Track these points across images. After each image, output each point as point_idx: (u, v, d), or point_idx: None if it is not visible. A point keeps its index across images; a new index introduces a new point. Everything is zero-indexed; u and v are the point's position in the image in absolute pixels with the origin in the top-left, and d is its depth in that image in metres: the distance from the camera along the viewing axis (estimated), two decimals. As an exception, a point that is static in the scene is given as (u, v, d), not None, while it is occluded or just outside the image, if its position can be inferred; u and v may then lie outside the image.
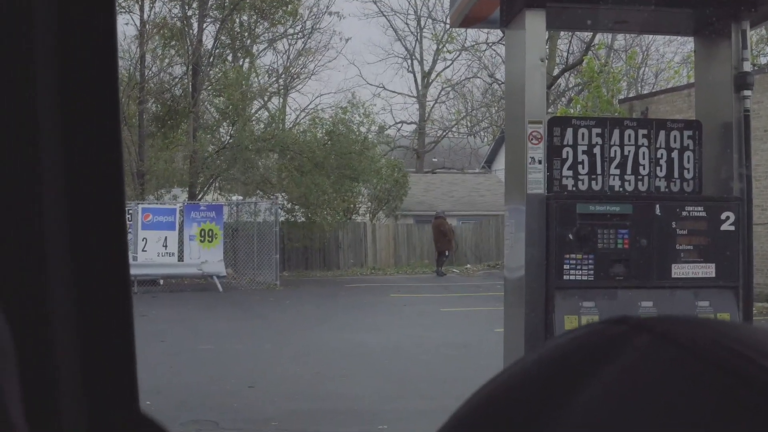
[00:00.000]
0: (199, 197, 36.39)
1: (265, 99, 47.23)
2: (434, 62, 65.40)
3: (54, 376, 1.26)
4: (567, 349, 0.63)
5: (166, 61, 39.25)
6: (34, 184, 1.23)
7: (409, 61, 68.83)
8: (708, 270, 5.82)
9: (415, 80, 67.20)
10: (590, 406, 0.55)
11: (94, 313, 1.30)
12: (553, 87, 46.87)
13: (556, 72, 46.65)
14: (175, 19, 38.50)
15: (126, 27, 38.02)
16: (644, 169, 6.18)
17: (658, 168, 6.19)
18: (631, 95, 38.57)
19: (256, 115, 43.96)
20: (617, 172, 6.15)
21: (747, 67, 6.22)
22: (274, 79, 50.25)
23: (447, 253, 39.05)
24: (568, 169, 6.09)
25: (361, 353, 15.70)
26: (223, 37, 40.15)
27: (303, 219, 36.63)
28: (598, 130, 6.15)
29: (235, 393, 12.20)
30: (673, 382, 0.54)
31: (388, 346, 16.48)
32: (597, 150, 6.13)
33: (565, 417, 0.56)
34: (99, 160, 1.28)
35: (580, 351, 0.61)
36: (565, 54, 50.61)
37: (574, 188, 6.07)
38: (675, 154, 6.21)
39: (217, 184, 38.17)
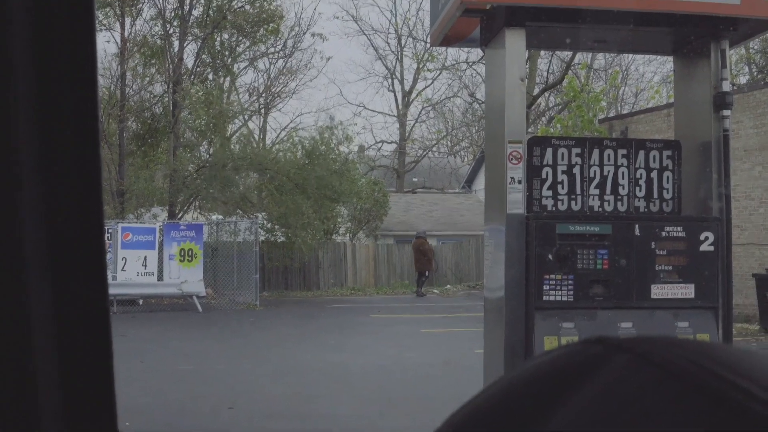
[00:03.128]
0: (179, 216, 36.31)
1: (245, 118, 47.25)
2: (415, 81, 65.58)
3: (32, 396, 1.25)
4: (546, 369, 0.63)
5: (147, 79, 39.25)
6: (11, 201, 1.21)
7: (390, 80, 69.06)
8: (687, 290, 5.82)
9: (396, 99, 67.46)
10: (569, 424, 0.56)
11: (72, 333, 1.29)
12: (533, 106, 47.05)
13: (536, 91, 46.84)
14: (156, 37, 38.51)
15: (107, 45, 38.02)
16: (623, 189, 6.19)
17: (638, 188, 6.20)
18: (611, 115, 38.73)
19: (237, 133, 43.96)
20: (597, 192, 6.16)
21: (726, 86, 6.24)
22: (255, 98, 50.31)
23: (427, 274, 39.04)
24: (548, 189, 6.10)
25: (341, 373, 15.66)
26: (203, 56, 40.16)
27: (283, 238, 36.58)
28: (578, 150, 6.17)
29: (215, 413, 12.15)
30: (651, 402, 0.53)
31: (368, 366, 16.45)
32: (576, 170, 6.14)
33: None
34: (77, 177, 1.27)
35: (559, 371, 0.61)
36: (545, 73, 50.84)
37: (553, 208, 6.08)
38: (654, 174, 6.23)
39: (197, 203, 38.11)
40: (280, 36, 44.65)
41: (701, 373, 0.54)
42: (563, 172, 6.13)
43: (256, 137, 49.08)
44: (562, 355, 0.63)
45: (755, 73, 46.25)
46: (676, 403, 0.52)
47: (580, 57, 41.66)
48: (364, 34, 75.79)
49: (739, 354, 0.57)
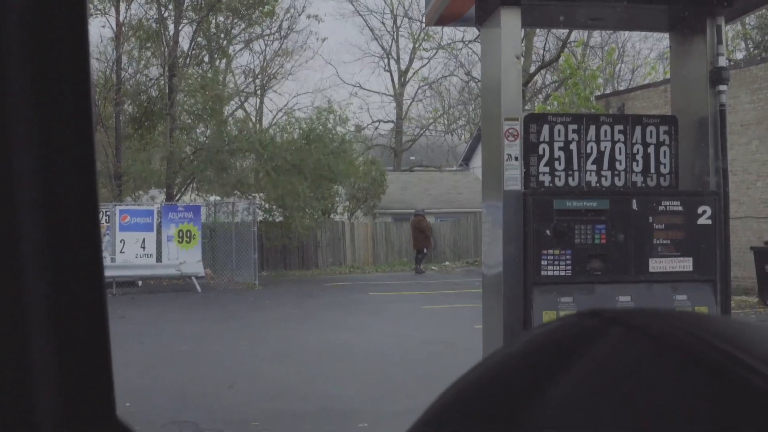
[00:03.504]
0: (177, 198, 36.25)
1: (241, 99, 47.12)
2: (411, 61, 65.43)
3: (28, 382, 1.24)
4: (541, 341, 0.63)
5: (143, 62, 39.14)
6: (6, 185, 1.21)
7: (386, 60, 68.97)
8: (685, 264, 5.83)
9: (392, 79, 67.24)
10: (565, 397, 0.55)
11: (68, 318, 1.29)
12: (529, 84, 46.92)
13: (532, 69, 46.72)
14: (151, 21, 38.38)
15: (102, 29, 37.88)
16: (620, 164, 6.20)
17: (635, 163, 6.21)
18: (607, 92, 38.64)
19: (233, 115, 43.84)
20: (594, 167, 6.17)
21: (722, 62, 6.24)
22: (251, 79, 50.18)
23: (425, 251, 39.03)
24: (545, 165, 6.10)
25: (341, 352, 15.67)
26: (199, 38, 40.02)
27: (281, 218, 36.54)
28: (575, 127, 6.17)
29: (215, 394, 12.17)
30: (648, 374, 0.53)
31: (368, 345, 16.46)
32: (573, 146, 6.15)
33: (541, 408, 0.56)
34: (72, 161, 1.27)
35: (555, 344, 0.61)
36: (541, 51, 50.71)
37: (550, 184, 6.08)
38: (651, 150, 6.23)
39: (194, 185, 38.04)
40: (275, 18, 44.53)
41: (699, 345, 0.54)
42: (560, 148, 6.13)
43: (253, 119, 48.89)
44: (557, 328, 0.63)
45: (752, 49, 46.13)
46: (674, 375, 0.53)
47: (576, 35, 41.59)
48: (360, 15, 75.61)
49: (737, 326, 0.57)
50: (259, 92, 53.10)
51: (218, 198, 37.07)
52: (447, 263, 41.30)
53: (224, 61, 45.75)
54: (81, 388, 1.30)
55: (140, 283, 29.99)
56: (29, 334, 1.25)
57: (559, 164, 6.12)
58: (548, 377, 0.57)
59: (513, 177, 5.83)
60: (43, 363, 1.25)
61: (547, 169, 6.10)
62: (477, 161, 50.23)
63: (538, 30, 43.85)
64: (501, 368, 0.64)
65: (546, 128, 6.13)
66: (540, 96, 51.80)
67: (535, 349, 0.63)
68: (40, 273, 1.25)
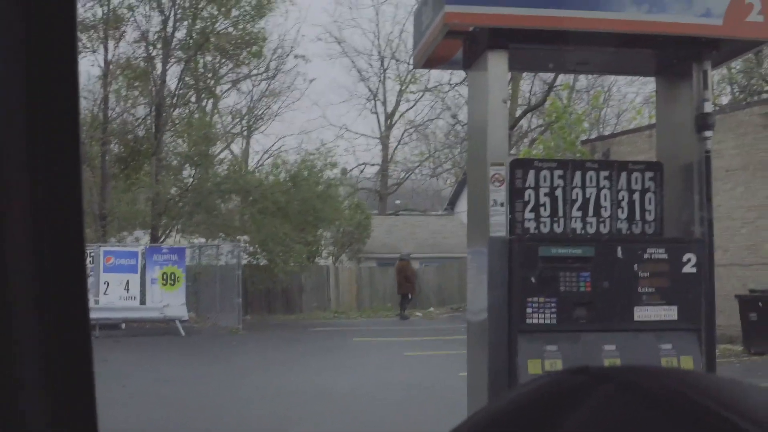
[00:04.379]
0: (162, 240, 36.29)
1: (228, 141, 47.28)
2: (397, 103, 65.79)
3: (19, 414, 1.25)
4: (530, 398, 0.63)
5: (130, 101, 39.29)
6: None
7: (373, 101, 69.29)
8: (670, 312, 5.82)
9: (378, 121, 67.62)
10: None
11: (55, 354, 1.29)
12: (515, 128, 47.23)
13: (518, 113, 47.06)
14: (139, 59, 38.58)
15: (90, 68, 38.05)
16: (606, 211, 6.20)
17: (620, 210, 6.21)
18: (593, 136, 38.91)
19: (219, 156, 43.99)
20: (579, 214, 6.17)
21: (708, 107, 6.26)
22: (237, 120, 50.36)
23: (410, 297, 39.07)
24: (531, 211, 6.10)
25: (325, 397, 15.64)
26: (186, 78, 40.21)
27: (265, 262, 36.58)
28: (560, 172, 6.17)
29: (196, 438, 12.11)
30: (636, 430, 0.53)
31: (352, 390, 16.43)
32: (559, 192, 6.15)
33: None
34: (60, 201, 1.27)
35: (544, 400, 0.61)
36: (527, 95, 51.09)
37: (536, 230, 6.08)
38: (636, 196, 6.24)
39: (179, 227, 38.10)
40: (263, 58, 44.78)
41: (686, 403, 0.53)
42: (546, 194, 6.13)
43: (239, 160, 48.98)
44: (546, 384, 0.62)
45: (737, 93, 46.52)
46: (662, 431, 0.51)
47: (562, 78, 41.89)
48: (347, 56, 76.23)
49: (724, 384, 0.57)
50: (245, 133, 53.32)
51: (203, 240, 37.10)
52: (431, 309, 41.31)
53: (211, 101, 45.96)
54: (67, 416, 1.30)
55: (123, 325, 29.91)
56: (17, 364, 1.26)
57: (545, 210, 6.13)
58: None
59: (498, 223, 5.82)
60: (30, 394, 1.26)
61: (532, 215, 6.11)
62: (462, 205, 50.49)
63: (524, 74, 44.20)
64: (490, 424, 0.62)
65: (532, 173, 6.13)
66: (525, 140, 52.13)
67: (525, 404, 0.62)
68: (28, 305, 1.25)
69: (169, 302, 29.71)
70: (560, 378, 0.62)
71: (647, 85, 49.51)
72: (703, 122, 6.21)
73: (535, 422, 0.58)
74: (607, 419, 0.55)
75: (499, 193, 5.83)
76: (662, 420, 0.53)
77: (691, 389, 0.55)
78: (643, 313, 5.80)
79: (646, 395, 0.55)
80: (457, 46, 6.31)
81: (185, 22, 38.52)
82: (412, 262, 41.36)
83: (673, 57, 6.38)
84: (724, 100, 44.64)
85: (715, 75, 37.06)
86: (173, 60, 39.27)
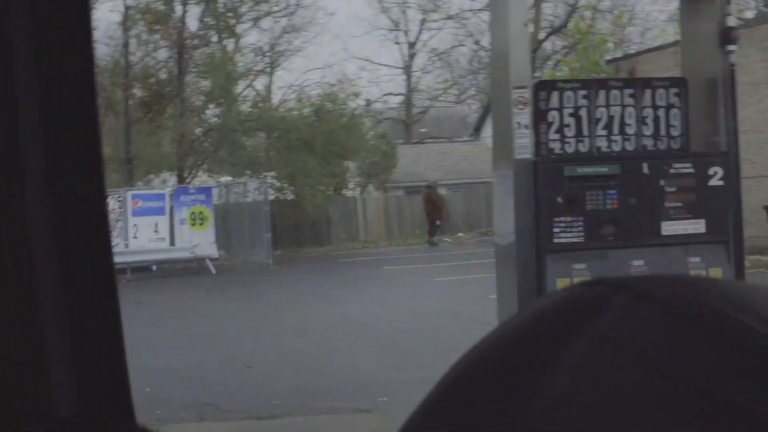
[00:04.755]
0: (188, 180, 36.34)
1: (252, 78, 47.12)
2: (420, 32, 65.31)
3: (45, 375, 1.25)
4: (546, 312, 0.62)
5: (151, 45, 39.15)
6: (14, 176, 1.21)
7: (395, 32, 68.77)
8: (698, 226, 5.82)
9: (401, 51, 67.18)
10: (572, 368, 0.55)
11: (81, 311, 1.29)
12: (539, 51, 46.80)
13: (542, 36, 46.60)
14: (159, 2, 38.37)
15: (110, 14, 37.98)
16: (631, 128, 6.18)
17: (645, 127, 6.19)
18: (617, 56, 38.49)
19: (243, 94, 43.87)
20: (604, 133, 6.15)
21: (731, 21, 6.21)
22: (260, 57, 50.12)
23: (438, 223, 39.07)
24: (555, 132, 6.09)
25: (358, 327, 15.73)
26: (207, 18, 40.00)
27: (293, 197, 36.58)
28: (584, 93, 6.15)
29: (234, 374, 12.23)
30: (649, 341, 0.53)
31: (385, 319, 16.50)
32: (583, 112, 6.13)
33: (548, 381, 0.55)
34: (78, 149, 1.27)
35: (560, 314, 0.60)
36: (551, 17, 50.54)
37: (561, 151, 6.07)
38: (661, 112, 6.21)
39: (205, 166, 38.12)
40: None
41: (703, 310, 0.53)
42: (570, 114, 6.11)
43: (263, 96, 48.84)
44: (561, 299, 0.62)
45: (762, 7, 45.86)
46: (675, 340, 0.52)
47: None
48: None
49: (742, 289, 0.57)
50: (268, 70, 53.09)
51: (229, 178, 37.11)
52: (460, 234, 41.29)
53: (233, 40, 45.74)
54: (99, 394, 1.30)
55: (155, 267, 30.03)
56: (43, 325, 1.25)
57: (569, 131, 6.11)
58: (554, 349, 0.57)
59: (523, 145, 5.82)
60: (57, 355, 1.25)
61: (557, 137, 6.09)
62: (488, 131, 50.20)
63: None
64: (509, 340, 0.63)
65: (555, 95, 6.11)
66: (550, 62, 51.67)
67: (541, 319, 0.62)
68: (51, 262, 1.25)
69: (199, 241, 29.79)
70: (576, 291, 0.62)
71: (671, 2, 48.84)
72: (726, 36, 6.16)
73: (551, 337, 0.58)
74: (621, 330, 0.55)
75: (523, 116, 5.83)
76: (675, 327, 0.53)
77: (707, 296, 0.55)
78: (670, 228, 5.80)
79: (662, 303, 0.55)
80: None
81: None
82: (439, 189, 41.31)
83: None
84: (749, 15, 44.03)
85: (738, -12, 36.55)
86: (192, 1, 39.05)
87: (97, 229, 1.31)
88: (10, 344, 1.24)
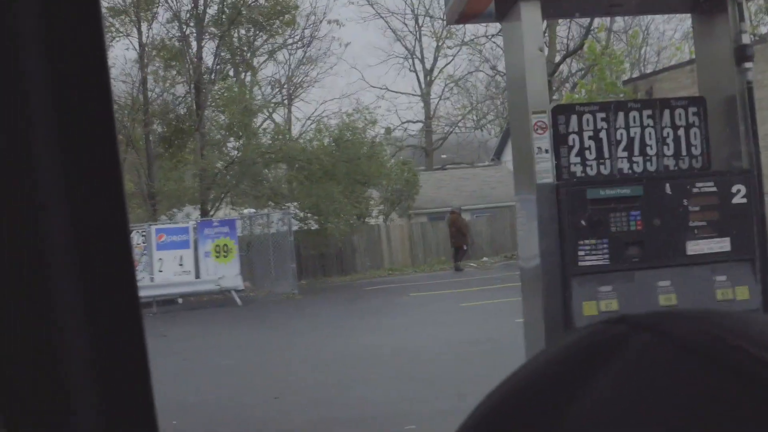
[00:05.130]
0: (212, 213, 36.49)
1: (270, 111, 47.31)
2: (435, 59, 65.50)
3: (68, 404, 1.25)
4: (570, 351, 0.63)
5: (168, 81, 39.39)
6: (36, 209, 1.22)
7: (410, 60, 68.98)
8: (723, 244, 5.81)
9: (418, 79, 67.29)
10: (593, 407, 0.56)
11: (105, 335, 1.29)
12: (555, 74, 46.80)
13: (557, 59, 46.62)
14: (174, 39, 38.63)
15: (126, 51, 38.30)
16: (651, 149, 6.18)
17: (665, 147, 6.19)
18: (634, 75, 38.45)
19: (263, 126, 44.02)
20: (625, 154, 6.15)
21: (746, 39, 6.20)
22: (277, 90, 50.35)
23: (465, 248, 39.07)
24: (576, 155, 6.09)
25: (384, 356, 15.69)
26: (222, 53, 40.24)
27: (316, 226, 36.68)
28: (603, 115, 6.16)
29: (259, 405, 12.23)
30: (673, 381, 0.53)
31: (411, 347, 16.46)
32: (603, 134, 6.13)
33: (570, 421, 0.56)
34: (99, 179, 1.28)
35: (582, 352, 0.61)
36: (565, 40, 50.58)
37: (582, 174, 6.07)
38: (681, 132, 6.21)
39: (228, 199, 38.26)
40: (296, 26, 44.69)
41: (724, 349, 0.53)
42: (590, 137, 6.12)
43: (283, 129, 49.04)
44: (584, 337, 0.63)
45: (777, 22, 45.75)
46: (699, 381, 0.52)
47: (598, 21, 41.41)
48: (381, 17, 75.73)
49: (765, 324, 0.57)
50: (286, 102, 53.29)
51: (252, 210, 37.23)
52: (485, 259, 41.25)
53: (249, 73, 45.95)
54: (122, 406, 1.31)
55: (180, 300, 30.14)
56: (65, 349, 1.24)
57: (590, 154, 6.11)
58: (577, 389, 0.58)
59: (545, 169, 5.83)
60: (80, 379, 1.26)
61: (578, 160, 6.09)
62: (508, 155, 50.16)
63: (560, 20, 43.77)
64: (535, 377, 0.64)
65: (574, 118, 6.12)
66: (567, 85, 51.67)
67: (564, 357, 0.63)
68: (74, 289, 1.25)
69: (224, 273, 29.86)
70: (598, 329, 0.63)
71: (685, 20, 48.64)
72: (742, 54, 6.16)
73: (573, 375, 0.59)
74: (643, 370, 0.55)
75: (543, 140, 5.84)
76: (694, 367, 0.53)
77: (731, 334, 0.54)
78: (695, 247, 5.79)
79: (683, 343, 0.55)
80: (488, -1, 6.29)
81: (215, -1, 38.55)
82: (463, 214, 41.33)
83: (707, -10, 6.33)
84: (764, 30, 43.93)
85: (752, 5, 36.46)
86: (207, 37, 39.30)
87: (121, 257, 1.32)
88: (32, 376, 1.25)
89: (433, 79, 66.04)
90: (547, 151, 5.84)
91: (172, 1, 38.32)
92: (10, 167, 1.22)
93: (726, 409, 0.50)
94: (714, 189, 5.86)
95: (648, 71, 46.23)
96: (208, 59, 39.81)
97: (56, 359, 1.25)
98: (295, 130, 49.30)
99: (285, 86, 50.93)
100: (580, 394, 0.57)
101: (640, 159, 6.16)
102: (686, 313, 0.61)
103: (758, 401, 0.50)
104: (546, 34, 39.16)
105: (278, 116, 52.21)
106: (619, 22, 50.51)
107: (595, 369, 0.58)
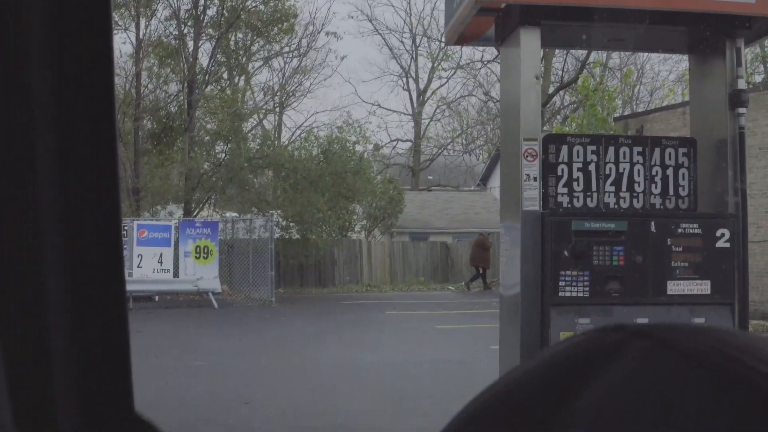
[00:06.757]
0: (195, 214, 36.36)
1: (260, 117, 47.22)
2: (429, 80, 65.56)
3: (48, 375, 1.25)
4: (566, 355, 0.63)
5: (162, 79, 39.30)
6: (30, 202, 1.22)
7: (405, 78, 69.02)
8: (703, 287, 5.82)
9: (411, 98, 67.35)
10: (590, 411, 0.55)
11: (89, 313, 1.29)
12: (548, 105, 46.90)
13: (551, 90, 46.73)
14: (171, 37, 38.58)
15: (122, 45, 38.14)
16: (639, 186, 6.19)
17: (653, 185, 6.21)
18: (626, 113, 38.58)
19: (252, 132, 43.92)
20: (612, 189, 6.17)
21: (742, 84, 6.24)
22: (269, 96, 50.26)
23: (486, 270, 39.08)
24: (564, 186, 6.10)
25: (357, 370, 15.66)
26: (218, 55, 40.17)
27: (298, 236, 36.62)
28: (593, 148, 6.17)
29: (230, 409, 12.17)
30: (672, 387, 0.54)
31: (384, 363, 16.43)
32: (592, 167, 6.15)
33: (565, 422, 0.56)
34: (95, 173, 1.28)
35: (580, 357, 0.61)
36: (560, 72, 50.73)
37: (569, 205, 6.09)
38: (670, 171, 6.23)
39: (212, 201, 38.15)
40: (294, 35, 44.63)
41: (721, 358, 0.54)
42: (579, 169, 6.13)
43: (272, 136, 48.96)
44: (580, 342, 0.63)
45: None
46: (697, 388, 0.53)
47: (594, 55, 41.54)
48: (379, 34, 75.88)
49: (757, 340, 0.57)
50: (277, 109, 53.20)
51: (235, 214, 37.14)
52: (462, 283, 41.25)
53: (243, 77, 45.88)
54: (99, 385, 1.31)
55: (157, 298, 30.02)
56: (50, 333, 1.25)
57: (578, 185, 6.13)
58: (573, 389, 0.58)
59: (531, 197, 5.84)
60: (62, 356, 1.26)
61: (565, 190, 6.11)
62: (495, 181, 50.17)
63: (557, 50, 43.91)
64: (526, 380, 0.64)
65: (565, 149, 6.13)
66: (558, 117, 51.79)
67: (560, 361, 0.63)
68: (62, 277, 1.25)
69: (203, 275, 29.77)
70: (594, 335, 0.63)
71: (681, 63, 48.96)
72: (737, 99, 6.19)
73: (571, 379, 0.58)
74: (641, 377, 0.55)
75: (531, 168, 5.85)
76: (697, 376, 0.53)
77: (726, 345, 0.55)
78: (676, 287, 5.81)
79: (682, 351, 0.56)
80: (489, 22, 6.31)
81: (216, 0, 38.45)
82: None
83: (707, 34, 6.36)
84: (757, 78, 44.17)
85: (749, 54, 36.63)
86: (204, 37, 39.22)
87: (110, 250, 1.32)
88: (16, 364, 1.25)
89: (425, 99, 66.13)
90: (535, 179, 5.85)
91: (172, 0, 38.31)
92: (10, 167, 1.22)
93: (723, 416, 0.51)
94: (698, 231, 5.87)
95: (640, 110, 46.39)
96: (203, 60, 39.77)
97: (46, 354, 1.25)
98: (284, 138, 49.26)
99: (278, 93, 50.84)
100: (575, 398, 0.57)
101: (627, 195, 6.18)
102: (685, 326, 0.61)
103: (755, 409, 0.50)
104: (542, 64, 39.26)
105: (268, 123, 52.13)
106: (615, 58, 50.72)
107: (594, 373, 0.58)
